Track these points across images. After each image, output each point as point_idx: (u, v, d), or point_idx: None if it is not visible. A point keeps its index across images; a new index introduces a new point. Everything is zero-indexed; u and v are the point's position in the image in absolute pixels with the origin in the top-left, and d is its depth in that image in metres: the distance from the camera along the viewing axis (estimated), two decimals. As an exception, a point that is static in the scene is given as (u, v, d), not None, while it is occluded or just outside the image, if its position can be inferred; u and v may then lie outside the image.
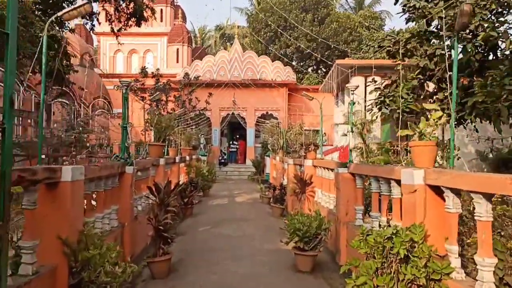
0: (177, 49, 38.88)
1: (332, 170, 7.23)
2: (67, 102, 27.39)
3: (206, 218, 11.16)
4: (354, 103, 7.06)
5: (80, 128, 21.76)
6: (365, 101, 18.14)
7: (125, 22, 15.94)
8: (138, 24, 15.80)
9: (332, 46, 28.82)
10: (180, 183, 12.31)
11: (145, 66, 26.03)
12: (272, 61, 28.74)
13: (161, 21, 40.11)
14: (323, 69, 38.58)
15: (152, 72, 25.65)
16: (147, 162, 7.58)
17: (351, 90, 6.96)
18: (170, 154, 11.61)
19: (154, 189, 6.27)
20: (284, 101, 27.97)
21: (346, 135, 17.46)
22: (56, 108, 26.44)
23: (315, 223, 6.12)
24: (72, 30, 15.50)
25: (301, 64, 36.66)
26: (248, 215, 11.80)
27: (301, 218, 6.26)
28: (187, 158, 14.44)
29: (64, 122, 23.82)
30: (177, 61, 38.44)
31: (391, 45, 10.73)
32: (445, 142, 12.44)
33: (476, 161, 14.20)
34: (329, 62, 31.99)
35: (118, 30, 15.74)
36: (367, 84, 11.32)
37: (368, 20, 33.78)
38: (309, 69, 36.30)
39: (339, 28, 31.14)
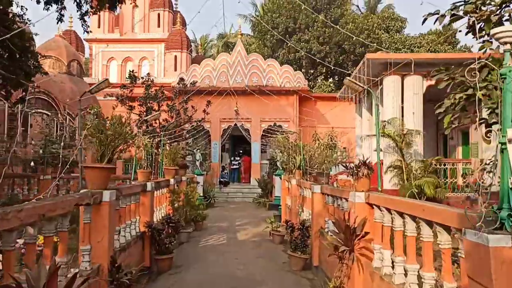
0: (175, 56, 35.46)
1: (451, 230, 3.37)
2: (48, 113, 23.86)
3: (191, 278, 7.31)
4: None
5: (56, 144, 18.12)
6: (403, 106, 14.34)
7: (98, 6, 12.30)
8: (113, 7, 12.16)
9: (348, 48, 25.18)
10: (156, 221, 8.53)
11: (133, 70, 22.43)
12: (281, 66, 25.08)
13: (158, 26, 36.87)
14: (336, 77, 34.92)
15: (142, 77, 22.06)
16: (53, 205, 3.76)
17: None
18: (139, 179, 7.85)
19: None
20: (294, 110, 24.16)
21: (380, 150, 13.64)
22: (35, 120, 22.82)
23: None
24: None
25: (312, 71, 33.02)
26: (255, 270, 7.90)
27: None
28: (172, 181, 10.64)
29: (42, 136, 20.23)
30: (175, 69, 34.90)
31: (476, 9, 6.93)
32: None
33: None
34: (347, 70, 28.41)
35: (85, 14, 12.08)
36: (431, 75, 7.41)
37: (387, 22, 30.24)
38: (321, 77, 32.62)
39: (355, 30, 27.50)
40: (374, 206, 5.13)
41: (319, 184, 8.15)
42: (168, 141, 15.70)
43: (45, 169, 16.07)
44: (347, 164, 6.07)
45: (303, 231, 8.29)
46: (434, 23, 7.58)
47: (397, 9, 57.78)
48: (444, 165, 14.14)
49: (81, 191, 5.10)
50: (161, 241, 7.58)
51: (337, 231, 5.40)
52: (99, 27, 36.78)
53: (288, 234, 8.78)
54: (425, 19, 7.67)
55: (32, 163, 11.00)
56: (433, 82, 14.92)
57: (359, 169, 5.37)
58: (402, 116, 14.05)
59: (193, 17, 51.51)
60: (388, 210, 4.63)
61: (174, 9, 38.78)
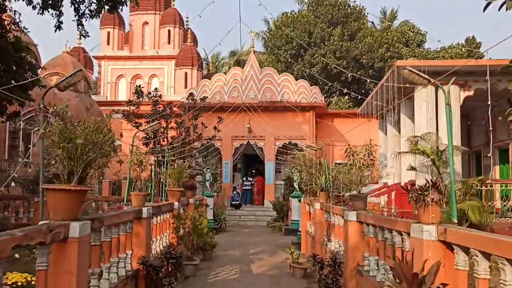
0: (186, 73, 34.41)
1: None
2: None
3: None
4: None
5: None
6: (437, 119, 12.78)
7: (98, 9, 11.13)
8: (112, 9, 10.95)
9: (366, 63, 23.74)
10: (155, 253, 7.02)
11: (139, 85, 21.27)
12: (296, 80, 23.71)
13: (169, 43, 35.94)
14: (352, 94, 33.42)
15: (149, 93, 20.82)
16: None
17: None
18: (133, 203, 6.41)
19: None
20: (310, 128, 22.63)
21: (414, 169, 12.06)
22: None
23: None
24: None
25: (327, 87, 31.61)
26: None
27: None
28: (176, 205, 9.16)
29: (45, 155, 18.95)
30: (186, 86, 33.77)
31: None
32: None
33: None
34: (365, 85, 26.98)
35: (82, 16, 10.87)
36: (500, 71, 5.84)
37: (407, 36, 28.88)
38: (336, 93, 31.16)
39: (374, 43, 26.16)
40: (454, 247, 3.58)
41: (355, 210, 6.60)
42: (174, 158, 14.27)
43: (38, 190, 14.73)
44: (408, 187, 4.55)
45: (335, 268, 6.70)
46: (499, 9, 6.11)
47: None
48: (480, 186, 12.43)
49: (40, 222, 3.64)
50: (159, 281, 6.07)
51: (398, 281, 3.84)
52: (108, 44, 35.99)
53: (316, 271, 7.19)
54: (488, 4, 6.22)
55: (12, 184, 9.60)
56: (471, 92, 13.44)
57: (427, 193, 3.84)
58: (437, 130, 12.50)
59: (213, 48, 51.04)
60: (486, 254, 3.08)
61: (185, 26, 37.88)
